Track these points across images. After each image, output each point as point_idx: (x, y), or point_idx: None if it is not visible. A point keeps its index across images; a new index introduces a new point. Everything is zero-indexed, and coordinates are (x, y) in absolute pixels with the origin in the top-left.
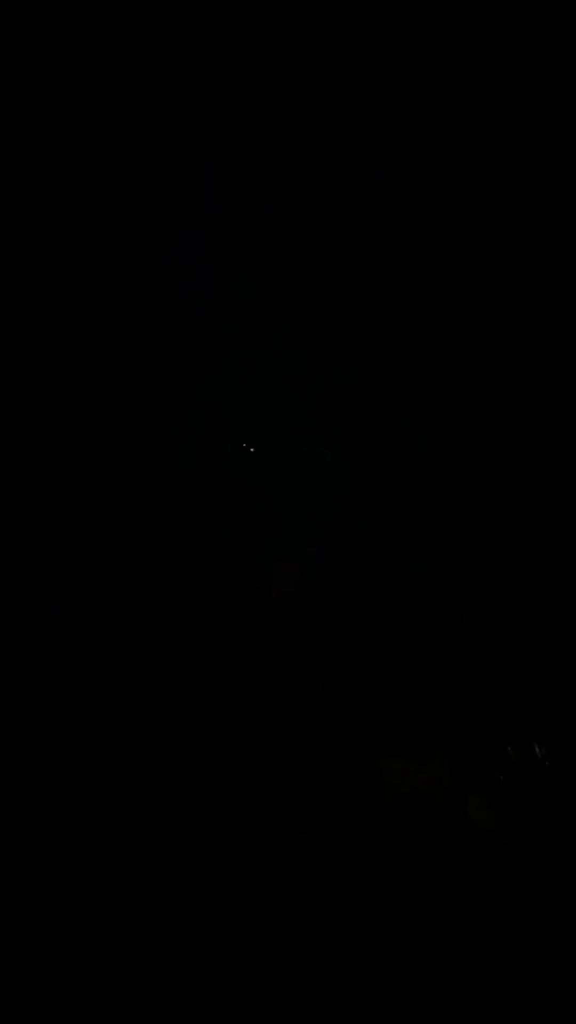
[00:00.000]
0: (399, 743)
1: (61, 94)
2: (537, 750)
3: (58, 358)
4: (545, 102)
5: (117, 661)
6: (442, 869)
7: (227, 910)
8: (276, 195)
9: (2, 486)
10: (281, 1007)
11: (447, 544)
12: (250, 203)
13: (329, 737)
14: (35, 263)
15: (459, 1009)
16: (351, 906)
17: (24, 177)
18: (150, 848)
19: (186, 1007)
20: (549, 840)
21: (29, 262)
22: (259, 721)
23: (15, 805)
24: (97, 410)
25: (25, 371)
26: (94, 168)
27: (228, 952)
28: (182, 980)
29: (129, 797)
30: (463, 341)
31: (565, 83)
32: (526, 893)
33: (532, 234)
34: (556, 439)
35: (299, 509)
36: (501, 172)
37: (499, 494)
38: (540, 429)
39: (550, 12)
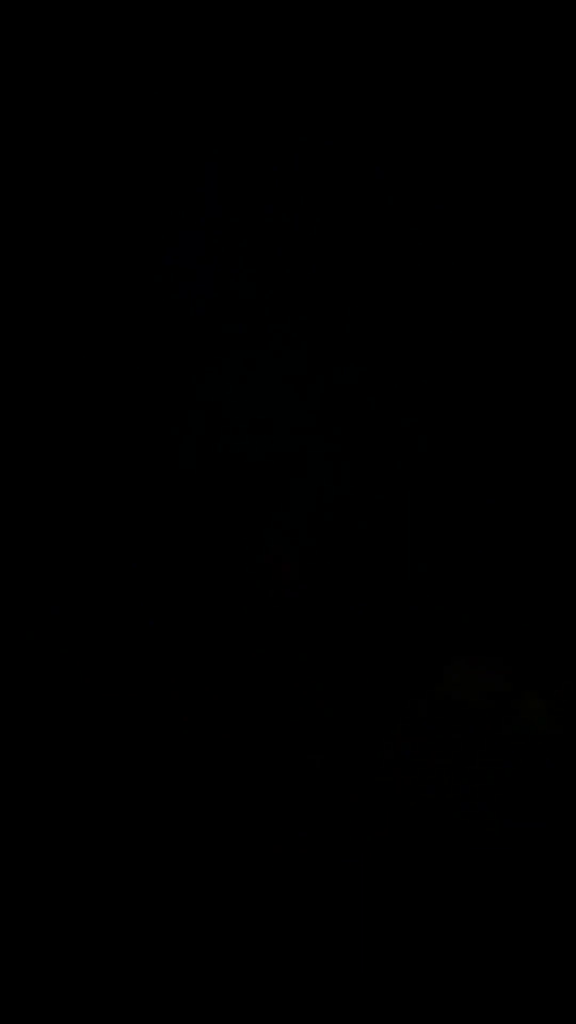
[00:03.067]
0: (460, 647)
1: (60, 93)
2: None
3: (57, 358)
4: (546, 102)
5: (117, 661)
6: (498, 776)
7: (227, 910)
8: (276, 195)
9: (1, 486)
10: (282, 1006)
11: (447, 544)
12: (250, 203)
13: (329, 737)
14: (34, 263)
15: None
16: (351, 906)
17: (22, 176)
18: (150, 848)
19: (185, 1006)
20: None
21: (27, 262)
22: (259, 721)
23: (15, 805)
24: (96, 410)
25: (24, 372)
26: (93, 168)
27: (228, 952)
28: (181, 979)
29: (129, 797)
30: (463, 341)
31: (566, 83)
32: None
33: (533, 234)
34: (557, 439)
35: (299, 509)
36: (502, 172)
37: (499, 494)
38: (541, 429)
39: (550, 12)
